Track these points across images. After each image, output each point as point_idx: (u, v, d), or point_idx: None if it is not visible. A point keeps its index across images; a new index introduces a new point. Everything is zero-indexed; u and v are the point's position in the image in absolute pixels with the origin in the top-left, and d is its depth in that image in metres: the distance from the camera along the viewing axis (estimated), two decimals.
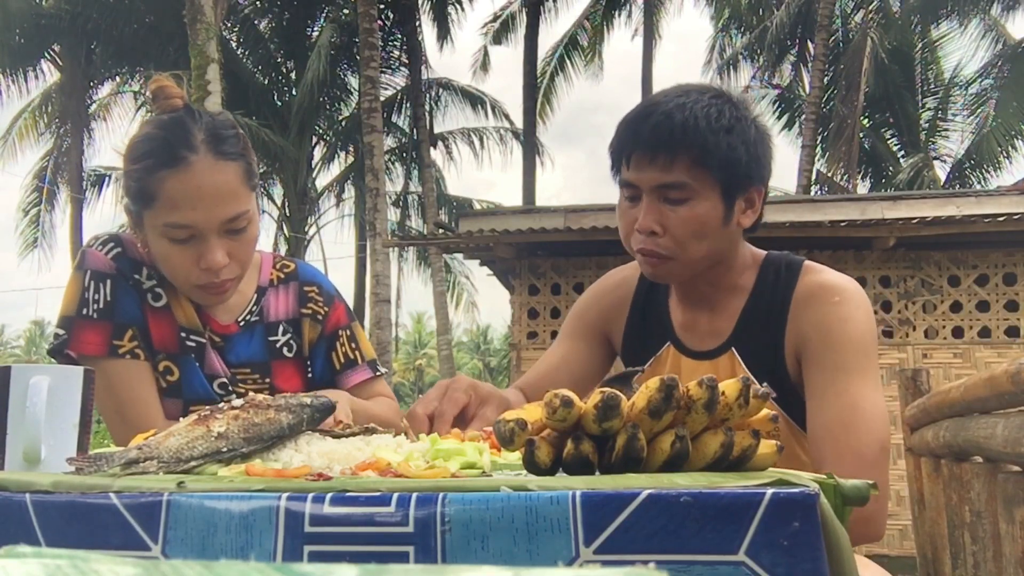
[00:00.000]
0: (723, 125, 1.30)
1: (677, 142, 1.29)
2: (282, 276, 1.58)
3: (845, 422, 1.22)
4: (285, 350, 1.54)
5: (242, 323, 1.50)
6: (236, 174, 1.35)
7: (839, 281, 1.34)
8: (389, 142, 17.97)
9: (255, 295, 1.53)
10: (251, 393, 1.04)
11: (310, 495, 0.71)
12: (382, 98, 15.11)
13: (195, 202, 1.31)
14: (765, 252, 1.44)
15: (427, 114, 17.76)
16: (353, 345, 1.60)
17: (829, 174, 16.67)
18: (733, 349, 1.39)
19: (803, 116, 15.65)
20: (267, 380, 1.51)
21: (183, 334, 1.44)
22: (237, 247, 1.37)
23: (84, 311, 1.39)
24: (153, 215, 1.34)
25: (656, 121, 1.30)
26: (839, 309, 1.30)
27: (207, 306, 1.46)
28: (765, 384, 1.32)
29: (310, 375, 1.57)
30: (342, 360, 1.58)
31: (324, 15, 17.31)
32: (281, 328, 1.54)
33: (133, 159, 1.35)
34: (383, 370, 1.64)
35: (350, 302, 1.68)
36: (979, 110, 16.66)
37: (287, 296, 1.56)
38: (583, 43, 19.17)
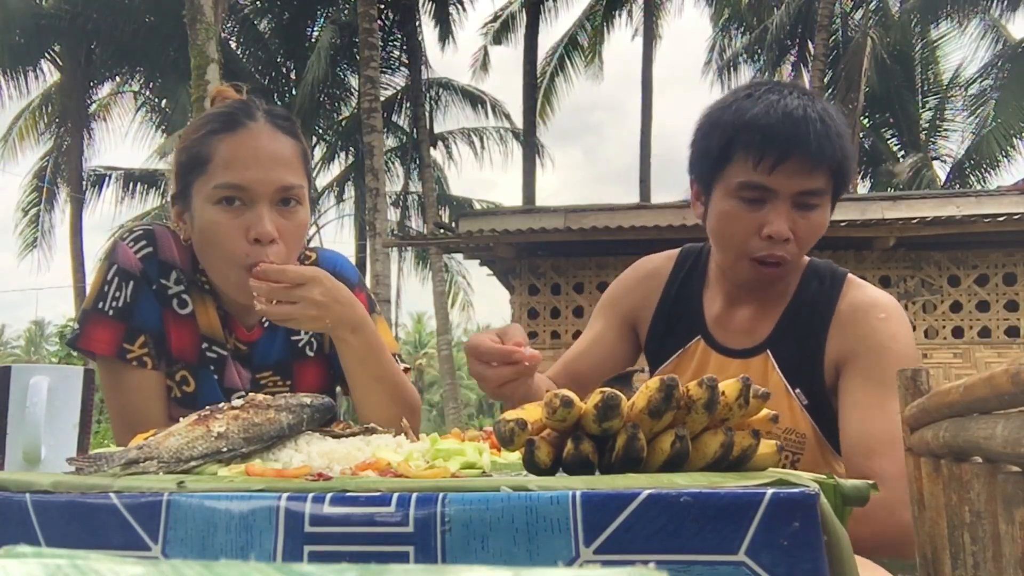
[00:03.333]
0: (843, 132, 1.33)
1: (824, 149, 1.29)
2: None
3: (893, 438, 1.22)
4: (307, 349, 1.49)
5: (266, 323, 1.45)
6: (292, 148, 1.34)
7: (883, 298, 1.38)
8: (389, 142, 17.98)
9: None
10: (251, 393, 1.04)
11: (310, 495, 0.71)
12: (382, 98, 15.11)
13: (250, 161, 1.28)
14: (809, 258, 1.44)
15: (427, 114, 17.77)
16: None
17: None
18: (768, 352, 1.39)
19: None
20: (288, 382, 1.47)
21: (204, 344, 1.40)
22: (288, 227, 1.31)
23: (101, 305, 1.35)
24: (205, 180, 1.30)
25: (804, 128, 1.29)
26: (887, 326, 1.33)
27: (246, 304, 1.35)
28: (797, 390, 1.36)
29: (331, 371, 1.51)
30: None
31: (324, 15, 17.32)
32: None
33: (192, 131, 1.34)
34: (404, 364, 1.54)
35: None
36: (979, 110, 16.67)
37: None
38: (583, 43, 19.18)
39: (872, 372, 1.30)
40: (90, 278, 1.42)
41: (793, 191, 1.31)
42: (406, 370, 1.55)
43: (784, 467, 1.44)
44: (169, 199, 1.40)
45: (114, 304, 1.35)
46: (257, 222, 1.28)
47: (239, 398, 1.40)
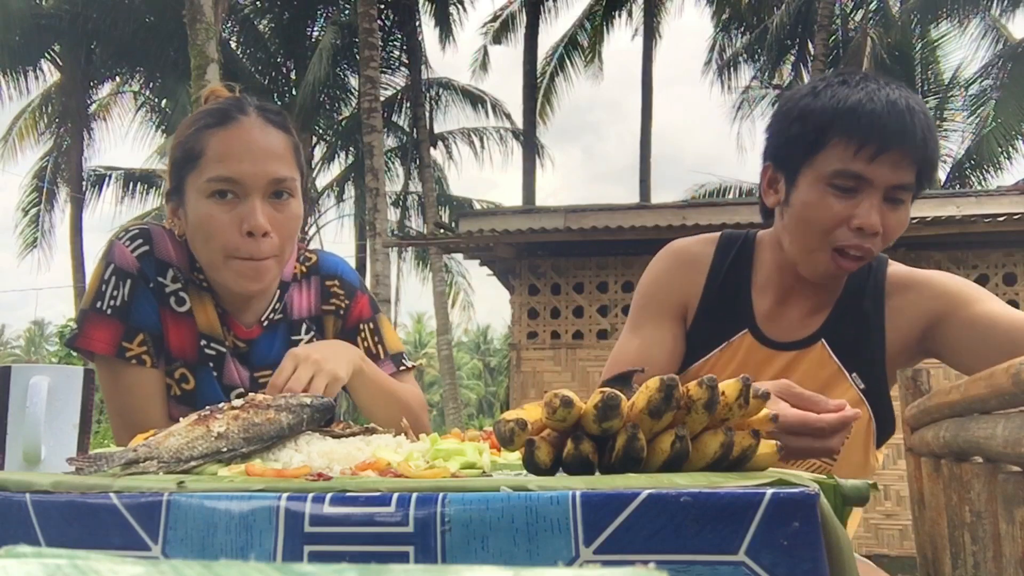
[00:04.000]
0: (935, 130, 1.32)
1: (927, 143, 1.28)
2: (304, 270, 1.52)
3: None
4: None
5: (265, 322, 1.45)
6: (284, 142, 1.36)
7: (919, 270, 1.43)
8: (389, 142, 17.98)
9: (278, 291, 1.47)
10: (251, 393, 1.04)
11: (310, 495, 0.71)
12: (382, 98, 15.11)
13: (242, 155, 1.30)
14: None
15: (427, 114, 17.76)
16: (376, 339, 1.54)
17: None
18: (823, 341, 1.39)
19: None
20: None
21: (203, 342, 1.40)
22: (280, 220, 1.33)
23: (99, 304, 1.36)
24: (197, 174, 1.31)
25: (908, 119, 1.26)
26: (942, 277, 1.39)
27: (241, 300, 1.39)
28: (854, 374, 1.35)
29: None
30: None
31: (324, 15, 17.32)
32: (304, 326, 1.49)
33: (186, 127, 1.36)
34: (409, 363, 1.56)
35: None
36: (979, 110, 16.66)
37: (309, 292, 1.51)
38: (583, 43, 19.18)
39: (972, 303, 1.32)
40: (90, 278, 1.42)
41: (888, 183, 1.28)
42: (411, 368, 1.55)
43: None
44: (164, 196, 1.41)
45: (112, 303, 1.36)
46: (250, 215, 1.29)
47: (239, 397, 1.41)
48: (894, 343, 1.38)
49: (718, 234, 1.50)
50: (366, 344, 1.52)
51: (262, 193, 1.31)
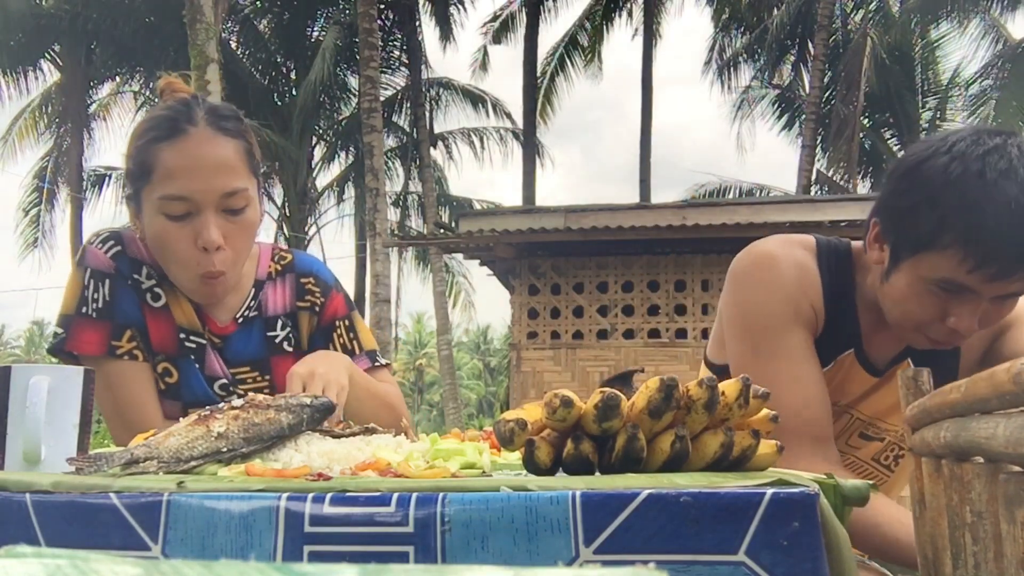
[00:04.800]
0: None
1: None
2: (279, 268, 1.54)
3: None
4: (286, 344, 1.51)
5: (240, 319, 1.47)
6: (235, 150, 1.34)
7: None
8: (389, 142, 17.98)
9: (252, 289, 1.49)
10: (251, 393, 1.04)
11: (310, 495, 0.71)
12: (382, 98, 15.11)
13: (192, 172, 1.30)
14: None
15: (427, 114, 17.77)
16: (351, 335, 1.55)
17: (829, 174, 16.68)
18: (909, 360, 1.36)
19: (803, 116, 15.68)
20: (267, 377, 1.48)
21: (182, 335, 1.42)
22: (234, 231, 1.33)
23: (83, 310, 1.38)
24: (150, 190, 1.32)
25: None
26: None
27: (206, 304, 1.44)
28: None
29: None
30: (339, 351, 1.53)
31: (324, 15, 17.32)
32: (280, 323, 1.51)
33: (137, 136, 1.36)
34: (384, 360, 1.58)
35: None
36: (979, 110, 16.66)
37: (284, 289, 1.53)
38: (583, 43, 19.18)
39: None
40: (67, 285, 1.43)
41: (997, 294, 1.18)
42: (386, 366, 1.58)
43: (889, 459, 1.46)
44: (125, 199, 1.43)
45: (95, 305, 1.38)
46: (203, 230, 1.30)
47: (222, 388, 1.43)
48: (967, 360, 1.36)
49: (811, 240, 1.39)
50: (342, 340, 1.54)
51: (215, 207, 1.31)
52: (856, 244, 1.39)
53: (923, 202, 1.17)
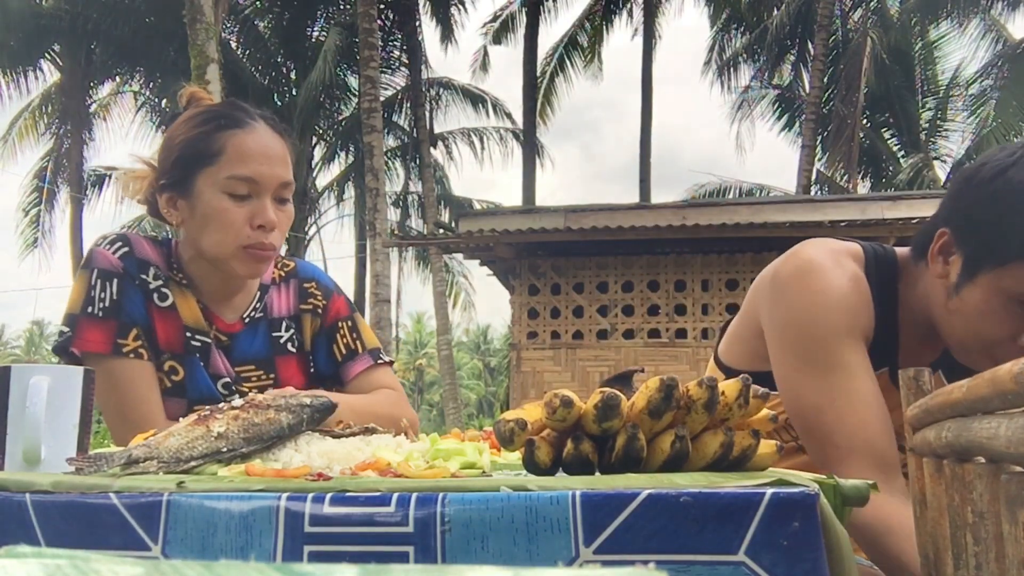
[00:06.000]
0: None
1: None
2: (283, 275, 1.60)
3: None
4: (289, 345, 1.55)
5: (247, 320, 1.52)
6: (286, 149, 1.49)
7: None
8: (389, 142, 18.00)
9: (258, 292, 1.55)
10: (251, 393, 1.04)
11: (310, 495, 0.71)
12: (382, 98, 15.11)
13: (261, 158, 1.42)
14: None
15: (427, 114, 17.78)
16: (354, 335, 1.60)
17: (829, 174, 16.70)
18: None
19: (803, 116, 15.68)
20: (271, 376, 1.52)
21: (188, 334, 1.46)
22: (283, 218, 1.45)
23: (89, 309, 1.40)
24: (215, 171, 1.41)
25: None
26: None
27: (249, 276, 1.48)
28: None
29: (313, 370, 1.58)
30: (343, 351, 1.58)
31: (324, 15, 17.33)
32: (284, 324, 1.56)
33: (194, 126, 1.44)
34: (387, 358, 1.63)
35: None
36: (979, 110, 16.68)
37: (288, 293, 1.59)
38: (583, 43, 19.19)
39: None
40: (74, 286, 1.46)
41: None
42: (389, 363, 1.63)
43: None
44: (154, 187, 1.49)
45: (102, 305, 1.41)
46: (263, 211, 1.42)
47: (225, 387, 1.45)
48: None
49: (858, 249, 1.31)
50: (345, 340, 1.59)
51: (273, 193, 1.43)
52: (902, 252, 1.32)
53: (1011, 211, 1.11)
